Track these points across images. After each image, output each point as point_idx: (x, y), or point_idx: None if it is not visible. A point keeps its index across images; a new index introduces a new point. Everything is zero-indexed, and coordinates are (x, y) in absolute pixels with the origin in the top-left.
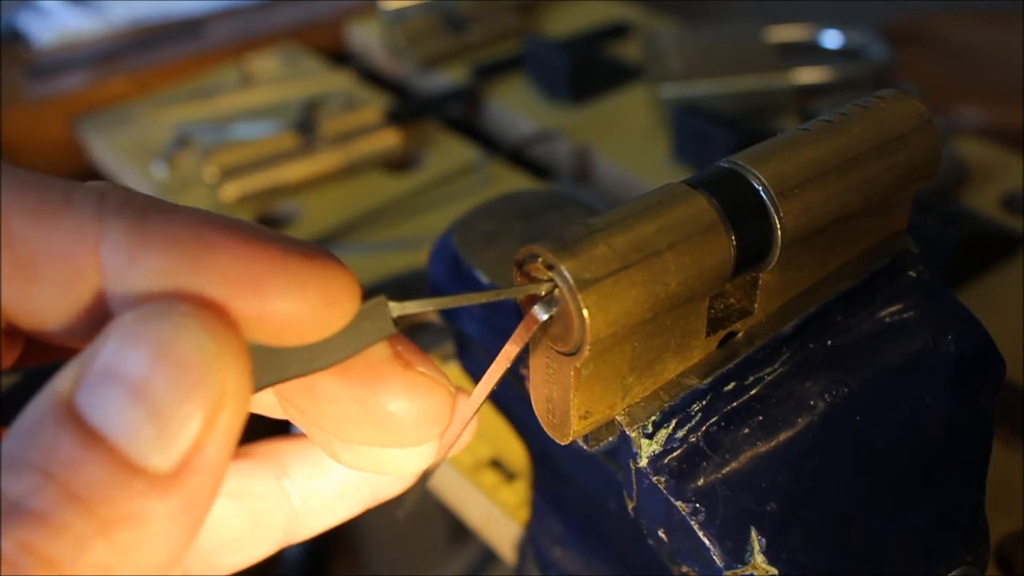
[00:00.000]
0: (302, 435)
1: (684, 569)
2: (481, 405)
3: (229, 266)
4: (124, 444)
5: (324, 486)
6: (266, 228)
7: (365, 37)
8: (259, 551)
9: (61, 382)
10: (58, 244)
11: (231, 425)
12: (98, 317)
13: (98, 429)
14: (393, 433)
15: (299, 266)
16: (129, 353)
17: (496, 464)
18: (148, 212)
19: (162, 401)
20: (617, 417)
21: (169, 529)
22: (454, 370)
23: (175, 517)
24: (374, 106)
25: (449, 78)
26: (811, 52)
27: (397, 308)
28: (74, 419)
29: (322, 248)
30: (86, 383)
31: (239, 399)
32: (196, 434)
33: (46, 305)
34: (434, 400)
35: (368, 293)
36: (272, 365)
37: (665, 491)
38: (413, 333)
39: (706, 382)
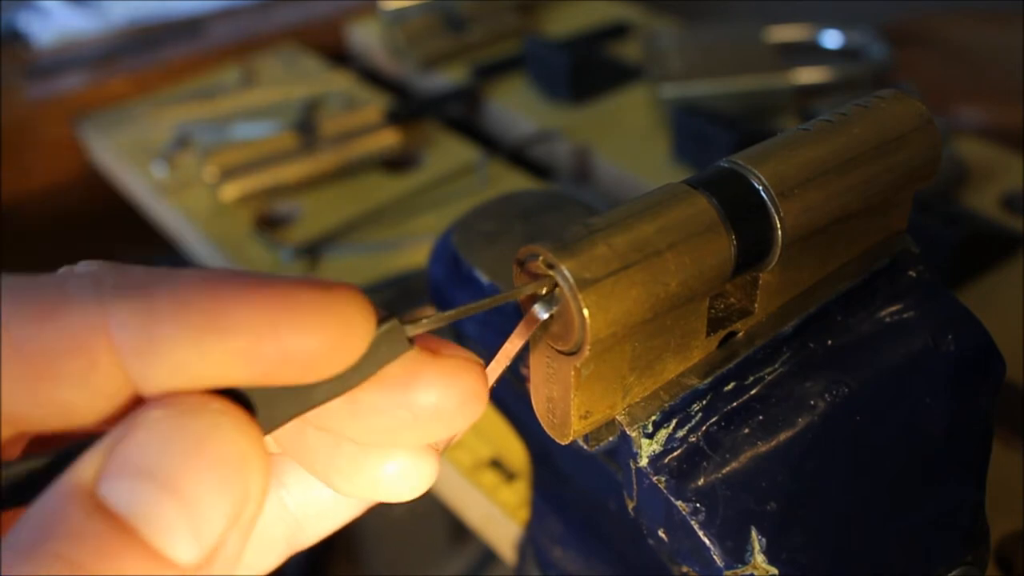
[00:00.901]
0: None
1: (684, 569)
2: None
3: (243, 318)
4: (156, 536)
5: (322, 492)
6: (266, 273)
7: (365, 37)
8: (265, 564)
9: (83, 471)
10: (67, 339)
11: (253, 518)
12: (121, 401)
13: (128, 520)
14: (440, 423)
15: (313, 303)
16: (161, 448)
17: (496, 464)
18: (147, 284)
19: (194, 496)
20: (617, 417)
21: None
22: None
23: None
24: (374, 106)
25: (449, 78)
26: (811, 52)
27: (411, 328)
28: (101, 509)
29: (329, 280)
30: (112, 474)
31: (261, 493)
32: (223, 528)
33: (68, 403)
34: (469, 379)
35: (382, 317)
36: (299, 396)
37: (665, 491)
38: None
39: (706, 382)
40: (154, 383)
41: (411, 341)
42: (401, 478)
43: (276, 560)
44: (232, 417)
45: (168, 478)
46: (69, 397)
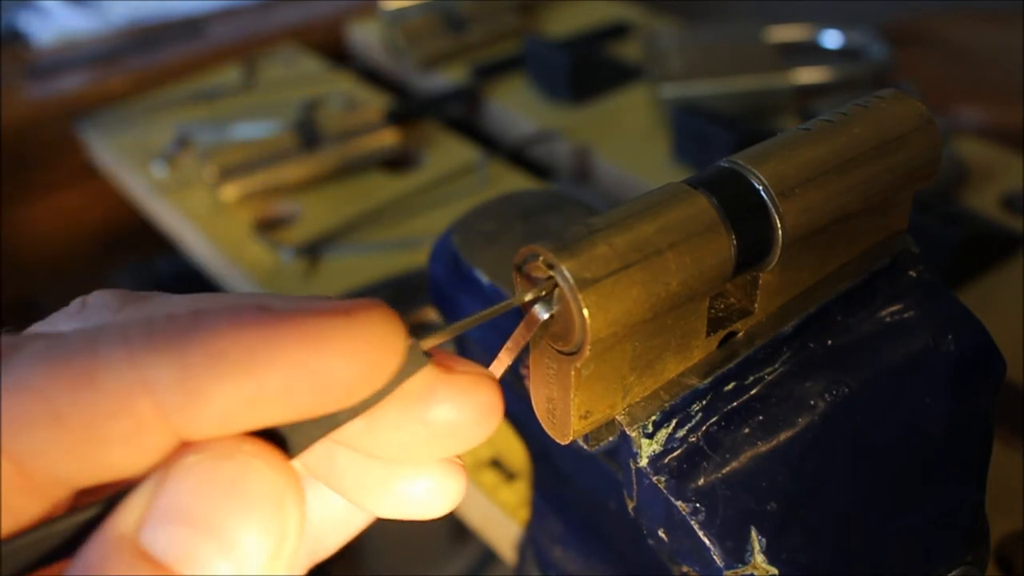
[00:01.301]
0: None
1: (684, 569)
2: None
3: (277, 359)
4: None
5: (337, 503)
6: (289, 296)
7: (365, 37)
8: None
9: (124, 520)
10: (108, 403)
11: (293, 552)
12: (172, 446)
13: (171, 566)
14: (456, 438)
15: (343, 330)
16: (199, 492)
17: (496, 464)
18: (176, 335)
19: (234, 538)
20: (617, 417)
21: None
22: None
23: None
24: (374, 106)
25: (449, 78)
26: (811, 52)
27: (427, 343)
28: (146, 558)
29: (356, 301)
30: (153, 522)
31: (299, 529)
32: (264, 566)
33: (119, 464)
34: (484, 394)
35: None
36: (319, 422)
37: (665, 491)
38: (414, 334)
39: (706, 382)
40: (199, 430)
41: (427, 355)
42: (431, 495)
43: (299, 574)
44: (265, 458)
45: (207, 522)
46: (118, 458)
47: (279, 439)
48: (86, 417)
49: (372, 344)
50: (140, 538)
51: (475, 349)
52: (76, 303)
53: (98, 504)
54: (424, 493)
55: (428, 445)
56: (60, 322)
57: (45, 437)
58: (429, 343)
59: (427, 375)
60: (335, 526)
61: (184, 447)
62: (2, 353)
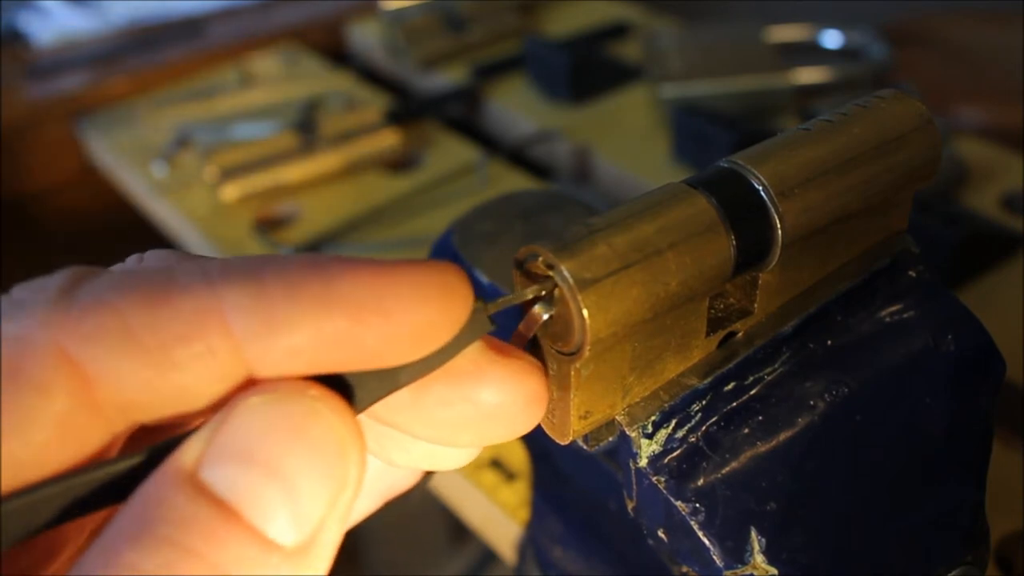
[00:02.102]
0: None
1: (684, 569)
2: None
3: (354, 294)
4: (262, 520)
5: None
6: (357, 255)
7: (365, 37)
8: None
9: (185, 458)
10: (183, 325)
11: (351, 504)
12: (237, 382)
13: (231, 503)
14: (501, 423)
15: (417, 277)
16: (263, 433)
17: (496, 464)
18: (254, 268)
19: (295, 480)
20: (617, 417)
21: None
22: None
23: None
24: (374, 106)
25: (449, 78)
26: (811, 52)
27: (492, 307)
28: (206, 493)
29: (427, 259)
30: (214, 459)
31: (359, 479)
32: (324, 513)
33: (186, 389)
34: (533, 381)
35: None
36: (385, 377)
37: (665, 491)
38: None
39: (706, 382)
40: (270, 365)
41: (492, 322)
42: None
43: None
44: (330, 403)
45: (269, 463)
46: (186, 383)
47: (345, 391)
48: (159, 337)
49: (443, 291)
50: (200, 474)
51: None
52: (133, 257)
53: (154, 447)
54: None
55: (473, 427)
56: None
57: (115, 353)
58: (495, 307)
59: (481, 354)
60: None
61: (248, 387)
62: (81, 276)
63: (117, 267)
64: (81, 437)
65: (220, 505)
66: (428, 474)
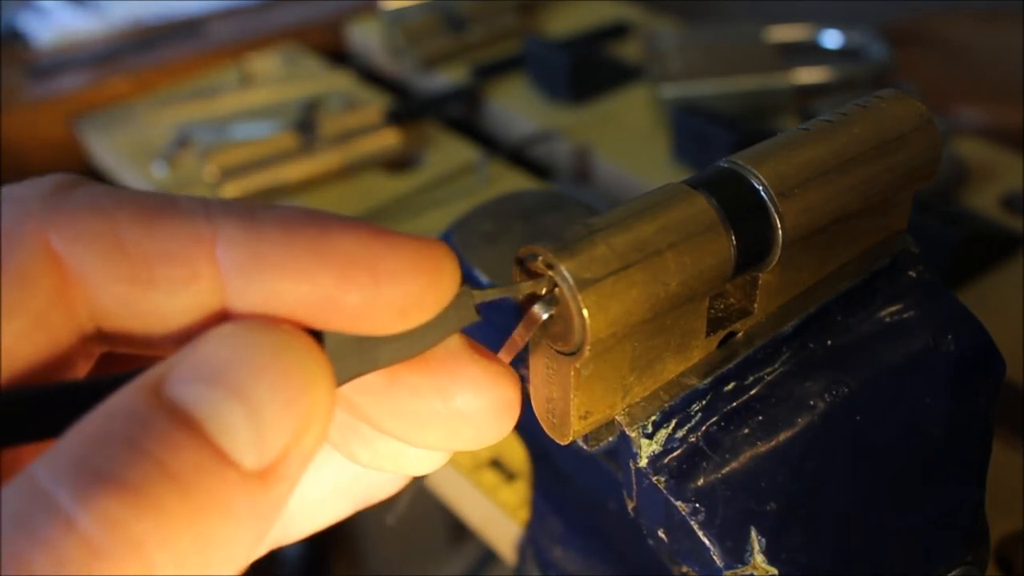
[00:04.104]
0: None
1: (684, 569)
2: None
3: (345, 247)
4: (221, 437)
5: (316, 487)
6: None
7: (365, 37)
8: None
9: (152, 375)
10: (174, 245)
11: (314, 443)
12: (210, 318)
13: (193, 417)
14: (470, 426)
15: (410, 245)
16: (232, 358)
17: (496, 464)
18: (254, 209)
19: (262, 406)
20: (617, 417)
21: (248, 530)
22: None
23: (256, 519)
24: (374, 106)
25: (449, 78)
26: (811, 52)
27: (479, 295)
28: (170, 405)
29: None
30: (182, 377)
31: (325, 420)
32: (286, 443)
33: (160, 309)
34: (507, 389)
35: None
36: (365, 355)
37: (665, 491)
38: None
39: (706, 382)
40: (249, 302)
41: (478, 311)
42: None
43: (262, 551)
44: (303, 340)
45: (236, 386)
46: (163, 303)
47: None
48: (147, 251)
49: (433, 265)
50: (165, 388)
51: None
52: None
53: (118, 375)
54: (418, 452)
55: (439, 426)
56: None
57: (100, 258)
58: (482, 296)
59: (458, 348)
60: (311, 511)
61: (221, 320)
62: (80, 180)
63: None
64: (53, 333)
65: (181, 415)
66: (413, 481)
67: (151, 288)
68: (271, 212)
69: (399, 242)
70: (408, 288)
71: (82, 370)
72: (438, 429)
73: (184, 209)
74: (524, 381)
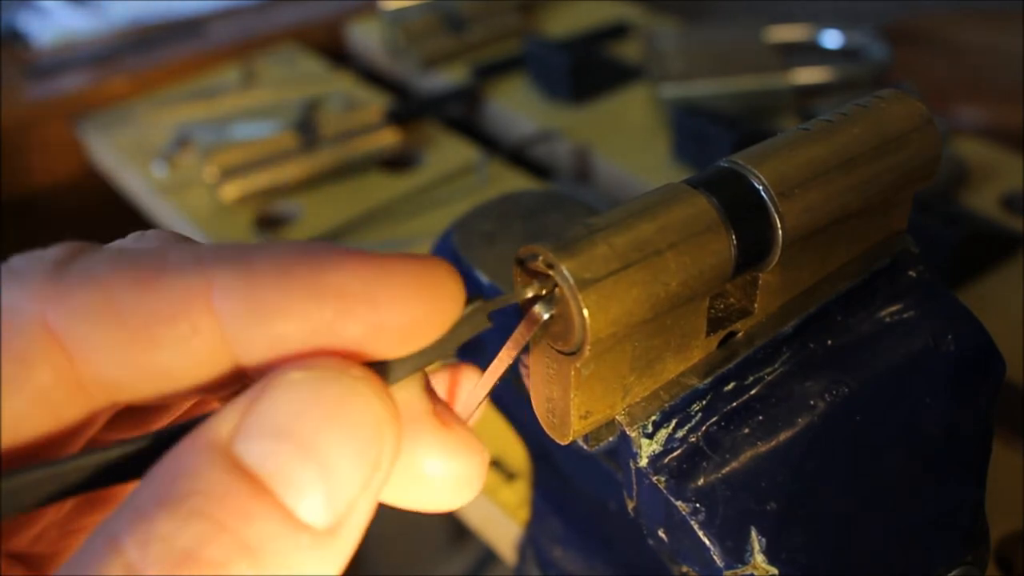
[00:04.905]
0: None
1: (684, 569)
2: (482, 404)
3: (343, 284)
4: (294, 500)
5: None
6: (351, 246)
7: (365, 37)
8: None
9: (218, 429)
10: (169, 304)
11: (382, 486)
12: (220, 366)
13: (263, 480)
14: (427, 492)
15: (409, 272)
16: (300, 409)
17: (496, 464)
18: (246, 253)
19: (331, 460)
20: (617, 417)
21: None
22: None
23: (327, 571)
24: (374, 106)
25: (449, 78)
26: (811, 52)
27: (490, 305)
28: (240, 468)
29: (421, 254)
30: (250, 434)
31: (393, 461)
32: (356, 494)
33: (167, 369)
34: (470, 463)
35: (469, 297)
36: (378, 370)
37: (665, 491)
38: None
39: (706, 382)
40: (254, 349)
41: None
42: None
43: None
44: (371, 384)
45: (306, 440)
46: (168, 363)
47: None
48: (145, 315)
49: (434, 288)
50: (234, 448)
51: (476, 348)
52: (134, 235)
53: (148, 436)
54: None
55: (393, 483)
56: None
57: (98, 330)
58: (491, 307)
59: (420, 413)
60: None
61: (283, 365)
62: (78, 250)
63: (116, 243)
64: (58, 411)
65: (253, 481)
66: None
67: (154, 350)
68: (265, 253)
69: (397, 268)
70: (410, 313)
71: (94, 430)
72: (394, 486)
73: (177, 265)
74: (524, 380)
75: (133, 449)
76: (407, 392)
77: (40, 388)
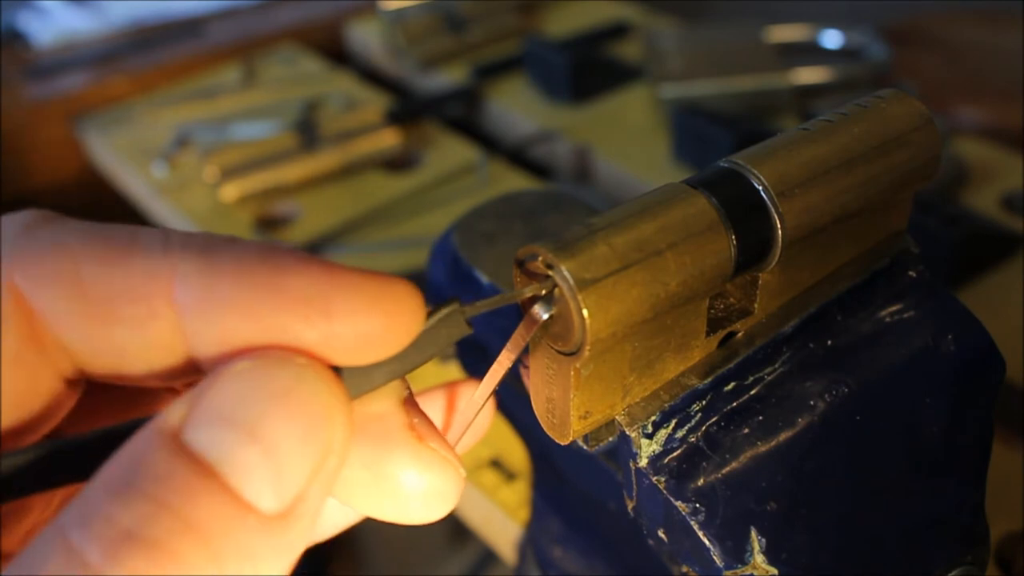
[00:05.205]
0: None
1: (684, 569)
2: (483, 405)
3: (298, 288)
4: (240, 482)
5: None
6: (319, 257)
7: (365, 37)
8: None
9: (168, 418)
10: (132, 284)
11: (333, 474)
12: (174, 354)
13: (211, 464)
14: (398, 504)
15: (365, 284)
16: (247, 397)
17: (496, 464)
18: (213, 247)
19: (279, 446)
20: (617, 417)
21: (271, 568)
22: (454, 370)
23: (278, 557)
24: (374, 106)
25: (449, 78)
26: (811, 52)
27: (469, 310)
28: (186, 452)
29: (382, 272)
30: (197, 421)
31: (343, 449)
32: (306, 480)
33: (122, 347)
34: (443, 478)
35: (445, 301)
36: (363, 375)
37: (665, 491)
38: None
39: (706, 382)
40: (208, 342)
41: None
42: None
43: None
44: (317, 371)
45: (252, 426)
46: (124, 341)
47: None
48: (107, 290)
49: (390, 304)
50: (183, 435)
51: (476, 348)
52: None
53: (122, 424)
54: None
55: (366, 494)
56: None
57: (64, 298)
58: (473, 311)
59: (395, 427)
60: (330, 513)
61: (233, 357)
62: (48, 218)
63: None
64: (31, 374)
65: (199, 464)
66: None
67: (113, 326)
68: (229, 249)
69: (354, 281)
70: (363, 326)
71: (69, 402)
72: (367, 497)
73: (144, 246)
74: (524, 380)
75: (90, 439)
76: (383, 404)
77: (11, 350)
